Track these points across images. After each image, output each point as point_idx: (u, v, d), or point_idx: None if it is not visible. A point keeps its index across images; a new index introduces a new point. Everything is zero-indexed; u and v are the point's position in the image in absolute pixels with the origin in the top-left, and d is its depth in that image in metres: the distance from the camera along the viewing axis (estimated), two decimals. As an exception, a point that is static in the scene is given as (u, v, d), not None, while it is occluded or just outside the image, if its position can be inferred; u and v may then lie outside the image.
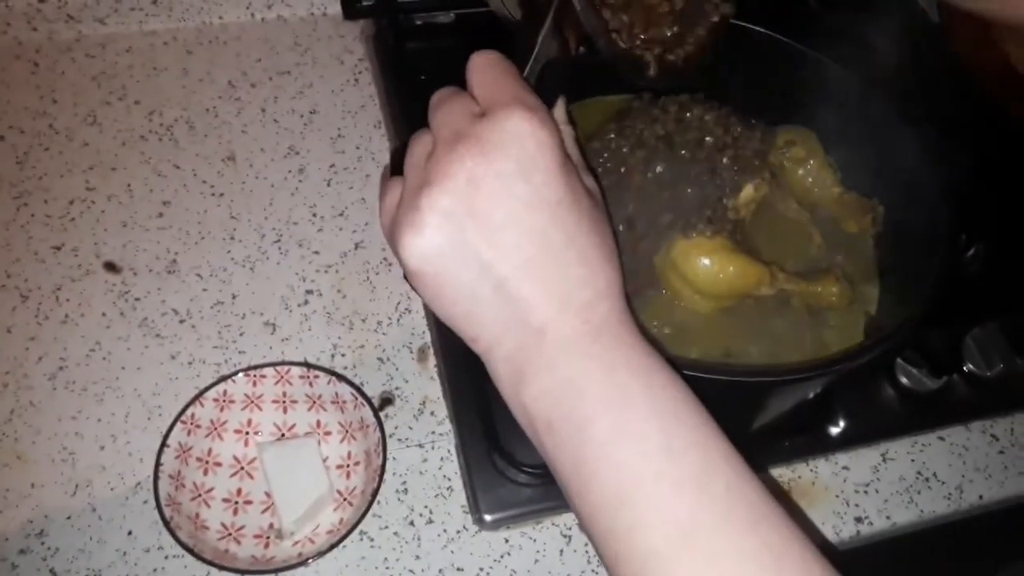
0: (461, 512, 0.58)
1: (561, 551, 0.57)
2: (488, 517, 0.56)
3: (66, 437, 0.58)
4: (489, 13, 0.85)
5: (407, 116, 0.75)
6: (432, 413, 0.62)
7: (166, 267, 0.67)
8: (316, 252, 0.69)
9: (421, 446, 0.60)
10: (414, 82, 0.78)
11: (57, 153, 0.73)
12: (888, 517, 0.60)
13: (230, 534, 0.54)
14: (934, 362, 0.63)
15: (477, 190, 0.34)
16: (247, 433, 0.58)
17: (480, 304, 0.35)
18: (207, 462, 0.56)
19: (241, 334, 0.64)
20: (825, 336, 0.54)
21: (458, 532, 0.57)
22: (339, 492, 0.56)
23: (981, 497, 0.62)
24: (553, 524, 0.58)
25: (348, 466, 0.57)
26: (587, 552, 0.57)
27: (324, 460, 0.57)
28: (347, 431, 0.58)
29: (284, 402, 0.59)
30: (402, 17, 0.84)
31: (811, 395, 0.58)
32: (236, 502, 0.56)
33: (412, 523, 0.57)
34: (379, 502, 0.57)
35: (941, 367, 0.63)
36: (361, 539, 0.56)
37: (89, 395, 0.60)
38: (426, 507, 0.58)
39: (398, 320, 0.66)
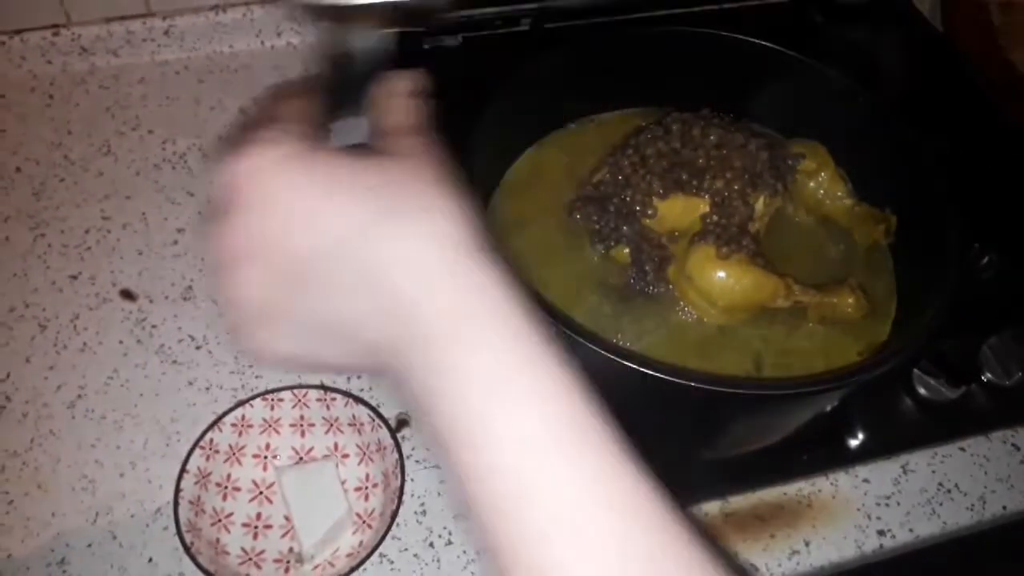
0: (480, 533, 0.57)
1: (582, 570, 0.56)
2: (507, 537, 0.56)
3: (86, 465, 0.58)
4: (495, 36, 0.87)
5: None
6: (449, 434, 0.62)
7: (182, 294, 0.68)
8: (330, 275, 0.70)
9: (438, 467, 0.60)
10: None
11: (73, 184, 0.74)
12: (911, 530, 0.60)
13: (250, 559, 0.54)
14: (952, 372, 0.63)
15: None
16: (265, 457, 0.58)
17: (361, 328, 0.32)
18: (226, 487, 0.57)
19: (257, 358, 0.64)
20: (841, 347, 0.54)
21: (478, 553, 0.57)
22: (358, 514, 0.56)
23: (1004, 508, 0.61)
24: (573, 543, 0.57)
25: (366, 488, 0.57)
26: (608, 570, 0.56)
27: (342, 483, 0.57)
28: (365, 453, 0.58)
29: (302, 425, 0.59)
30: (409, 41, 0.85)
31: (829, 407, 0.58)
32: (256, 526, 0.56)
33: (431, 544, 0.57)
34: (398, 524, 0.57)
35: (959, 377, 0.63)
36: (381, 561, 0.56)
37: (108, 423, 0.61)
38: (445, 528, 0.57)
39: (413, 341, 0.66)
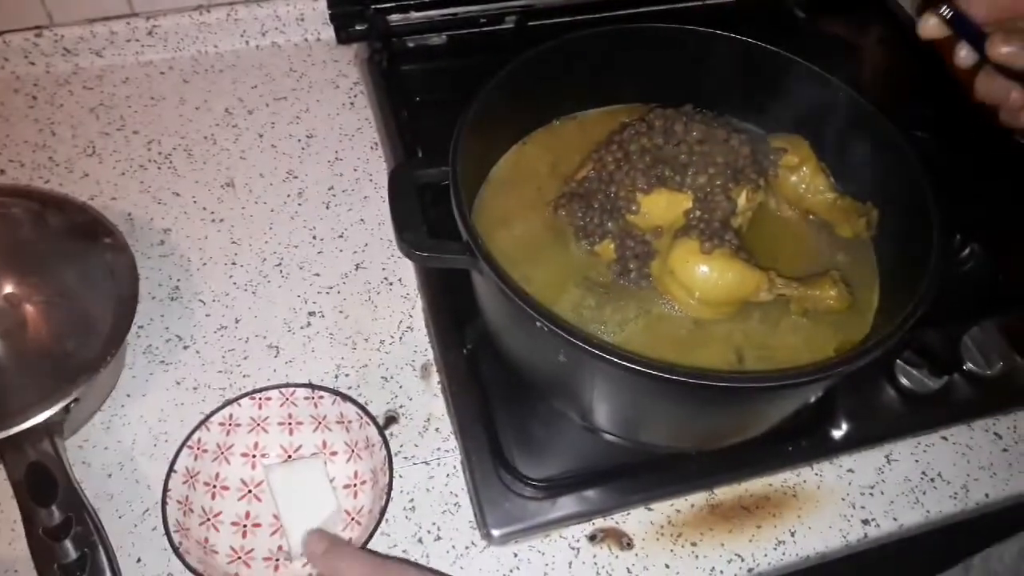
0: (469, 528, 0.58)
1: (570, 563, 0.57)
2: (496, 532, 0.56)
3: (73, 466, 0.58)
4: (481, 34, 0.87)
5: (403, 137, 0.76)
6: (437, 430, 0.62)
7: (169, 294, 0.68)
8: (317, 274, 0.70)
9: (427, 463, 0.60)
10: (409, 103, 0.79)
11: (57, 185, 0.74)
12: (895, 519, 0.60)
13: (240, 557, 0.54)
14: (934, 362, 0.63)
15: None
16: (254, 456, 0.58)
17: None
18: (215, 486, 0.57)
19: (245, 358, 0.65)
20: (824, 340, 0.55)
21: (467, 548, 0.57)
22: (347, 512, 0.57)
23: (987, 495, 0.62)
24: (561, 537, 0.58)
25: (355, 485, 0.58)
26: (595, 564, 0.57)
27: (331, 480, 0.57)
28: (353, 450, 0.59)
29: (290, 424, 0.59)
30: (395, 40, 0.85)
31: (813, 399, 0.59)
32: (245, 525, 0.56)
33: (420, 540, 0.57)
34: (387, 520, 0.57)
35: (941, 367, 0.63)
36: (370, 558, 0.56)
37: (95, 423, 0.61)
38: (434, 524, 0.58)
39: (400, 338, 0.67)
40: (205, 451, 0.57)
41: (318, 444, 0.59)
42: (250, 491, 0.57)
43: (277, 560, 0.55)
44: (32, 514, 0.50)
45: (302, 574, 0.54)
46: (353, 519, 0.56)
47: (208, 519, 0.55)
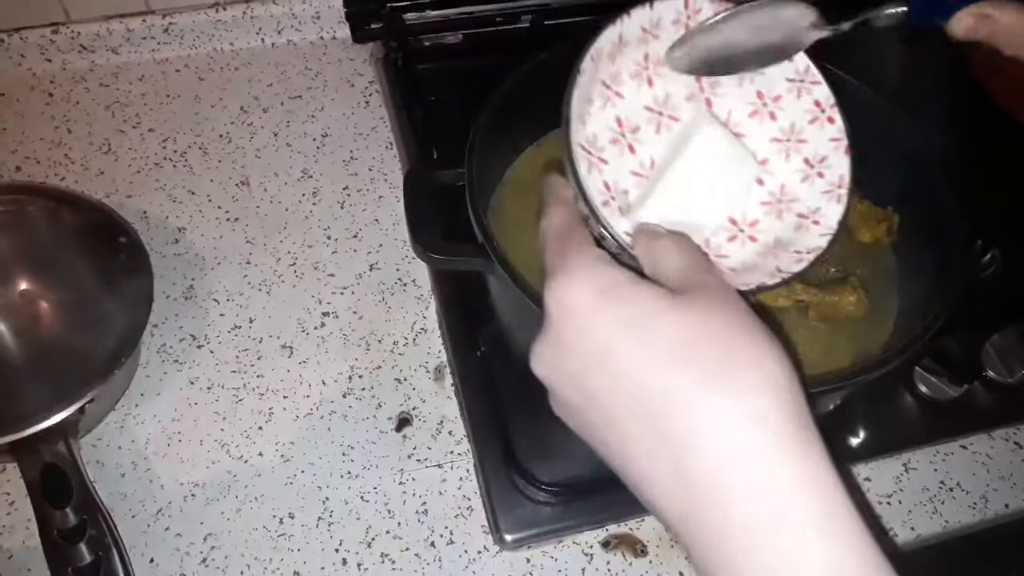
0: (481, 532, 0.57)
1: (583, 570, 0.56)
2: (509, 537, 0.56)
3: (87, 464, 0.58)
4: (497, 33, 0.86)
5: (418, 136, 0.76)
6: (450, 432, 0.62)
7: (183, 292, 0.68)
8: (331, 274, 0.70)
9: (440, 466, 0.60)
10: (424, 103, 0.79)
11: (73, 182, 0.74)
12: (912, 528, 0.59)
13: (592, 155, 0.43)
14: (954, 370, 0.63)
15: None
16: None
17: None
18: (609, 88, 0.44)
19: (259, 358, 0.64)
20: (844, 346, 0.54)
21: (479, 552, 0.57)
22: (734, 221, 0.42)
23: (1007, 506, 0.61)
24: (574, 543, 0.57)
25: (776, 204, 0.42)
26: (609, 571, 0.56)
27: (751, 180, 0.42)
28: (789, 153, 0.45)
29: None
30: (410, 39, 0.85)
31: (831, 406, 0.58)
32: (623, 139, 0.43)
33: (433, 544, 0.57)
34: (399, 523, 0.57)
35: (961, 374, 0.63)
36: (383, 561, 0.56)
37: (109, 422, 0.61)
38: (446, 528, 0.57)
39: (414, 340, 0.66)
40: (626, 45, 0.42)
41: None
42: (661, 114, 0.44)
43: (610, 201, 0.42)
44: (47, 516, 0.49)
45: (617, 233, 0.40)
46: (741, 231, 0.42)
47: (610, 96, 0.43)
